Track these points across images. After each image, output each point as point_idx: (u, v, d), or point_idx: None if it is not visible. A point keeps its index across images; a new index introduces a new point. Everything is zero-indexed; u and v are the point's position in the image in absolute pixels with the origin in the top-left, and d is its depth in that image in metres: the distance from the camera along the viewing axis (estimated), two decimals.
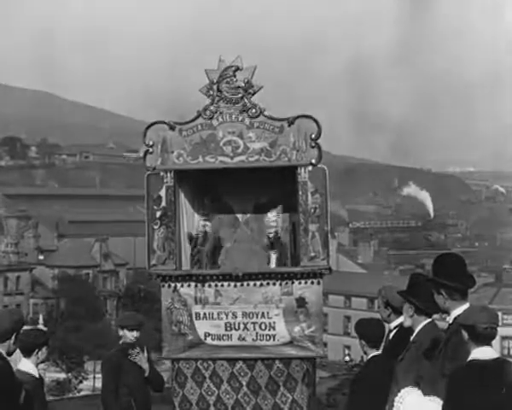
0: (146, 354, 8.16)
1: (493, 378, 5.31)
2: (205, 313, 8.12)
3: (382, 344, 7.19)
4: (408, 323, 6.33)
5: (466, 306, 5.79)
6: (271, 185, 8.44)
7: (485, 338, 5.38)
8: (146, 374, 8.12)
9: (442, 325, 6.25)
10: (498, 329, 5.49)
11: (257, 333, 8.04)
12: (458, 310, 5.77)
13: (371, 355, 7.10)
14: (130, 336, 8.13)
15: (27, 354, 6.82)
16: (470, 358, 5.38)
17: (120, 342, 8.24)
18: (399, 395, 5.83)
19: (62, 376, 53.64)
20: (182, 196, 8.41)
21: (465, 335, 5.42)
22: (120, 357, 8.11)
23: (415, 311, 6.26)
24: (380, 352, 7.09)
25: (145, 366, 8.12)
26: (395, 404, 5.83)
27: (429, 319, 6.28)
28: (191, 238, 8.48)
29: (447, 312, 5.88)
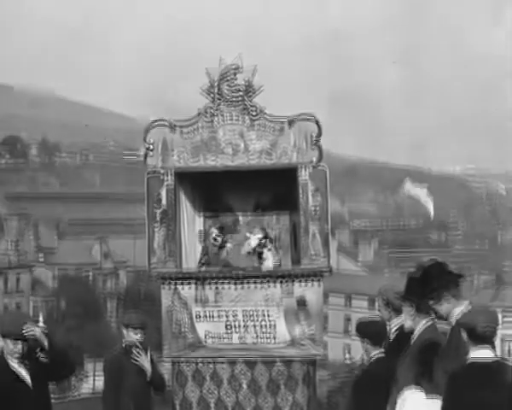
0: (149, 355, 8.13)
1: (492, 379, 5.33)
2: (205, 314, 8.10)
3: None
4: (408, 325, 6.31)
5: (464, 306, 5.80)
6: (272, 186, 8.44)
7: (485, 339, 5.39)
8: (148, 375, 8.07)
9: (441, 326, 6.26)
10: (499, 328, 5.51)
11: (257, 334, 8.03)
12: (458, 309, 5.78)
13: (376, 355, 7.07)
14: (133, 335, 8.07)
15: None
16: (469, 358, 5.39)
17: (123, 341, 8.19)
18: (402, 394, 5.82)
19: None
20: (182, 196, 8.41)
21: (464, 335, 5.44)
22: (123, 358, 8.04)
23: (415, 310, 6.25)
24: (384, 351, 7.06)
25: (147, 367, 8.08)
26: (398, 403, 5.83)
27: (429, 319, 6.27)
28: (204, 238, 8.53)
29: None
